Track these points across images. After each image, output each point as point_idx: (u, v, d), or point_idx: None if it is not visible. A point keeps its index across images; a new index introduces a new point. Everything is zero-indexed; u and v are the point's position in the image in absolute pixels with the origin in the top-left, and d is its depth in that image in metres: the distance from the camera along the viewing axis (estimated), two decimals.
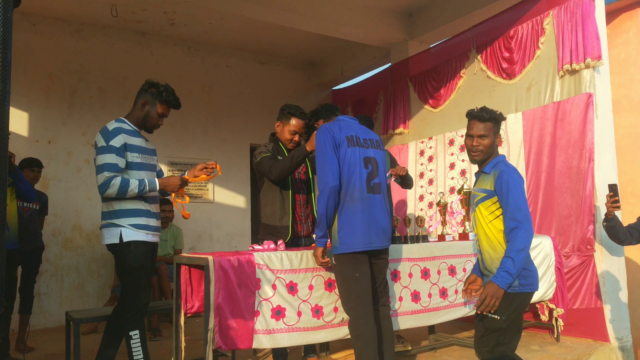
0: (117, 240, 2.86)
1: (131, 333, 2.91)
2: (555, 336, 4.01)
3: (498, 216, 2.44)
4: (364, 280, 2.69)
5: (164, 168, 6.47)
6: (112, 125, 2.92)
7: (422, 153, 5.80)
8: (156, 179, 3.01)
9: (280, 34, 6.65)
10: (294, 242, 3.31)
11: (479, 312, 2.37)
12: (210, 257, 2.59)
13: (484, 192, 2.49)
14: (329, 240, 2.75)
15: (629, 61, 5.79)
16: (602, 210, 3.98)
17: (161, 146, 6.43)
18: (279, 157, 3.26)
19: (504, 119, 2.64)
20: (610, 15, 5.69)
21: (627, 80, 5.79)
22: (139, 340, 2.92)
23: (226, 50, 7.13)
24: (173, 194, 3.17)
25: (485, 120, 2.48)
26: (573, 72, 4.26)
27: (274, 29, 6.38)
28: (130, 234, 2.87)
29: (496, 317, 2.36)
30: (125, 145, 2.89)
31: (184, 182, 3.08)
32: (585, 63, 4.14)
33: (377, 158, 2.82)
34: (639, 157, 5.58)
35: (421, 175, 5.74)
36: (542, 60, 4.55)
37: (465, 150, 2.65)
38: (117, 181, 2.80)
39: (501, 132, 4.72)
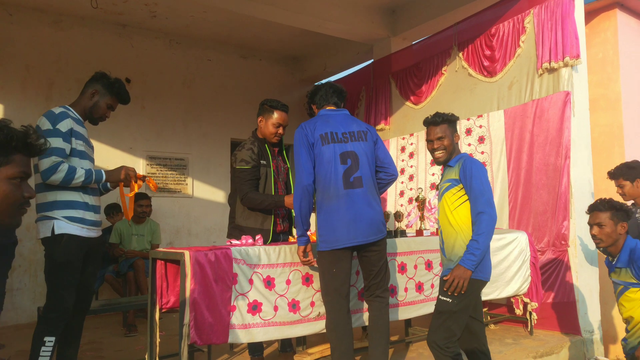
0: (49, 234, 2.63)
1: (46, 339, 2.58)
2: (529, 329, 4.08)
3: (462, 203, 2.59)
4: (342, 275, 2.71)
5: (143, 162, 6.39)
6: (58, 109, 2.75)
7: (403, 149, 5.83)
8: (102, 170, 2.85)
9: (263, 29, 6.61)
10: (272, 238, 3.31)
11: (449, 292, 2.50)
12: (186, 252, 2.58)
13: (449, 181, 2.65)
14: (311, 233, 2.79)
15: (606, 61, 5.89)
16: (577, 207, 4.06)
17: (140, 140, 6.37)
18: (262, 161, 3.22)
19: (457, 118, 2.82)
20: (589, 15, 5.77)
21: (604, 80, 5.89)
22: (51, 349, 2.60)
23: (208, 44, 7.06)
24: (121, 184, 2.95)
25: (439, 124, 2.71)
26: (552, 70, 4.32)
27: (256, 23, 6.33)
28: (64, 227, 2.64)
29: (448, 299, 2.48)
30: (71, 131, 2.73)
31: (130, 174, 2.92)
32: (564, 62, 4.20)
33: (358, 151, 2.78)
34: (615, 155, 5.69)
35: (402, 171, 5.77)
36: (522, 58, 4.60)
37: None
38: (64, 167, 2.61)
39: (484, 129, 4.85)
